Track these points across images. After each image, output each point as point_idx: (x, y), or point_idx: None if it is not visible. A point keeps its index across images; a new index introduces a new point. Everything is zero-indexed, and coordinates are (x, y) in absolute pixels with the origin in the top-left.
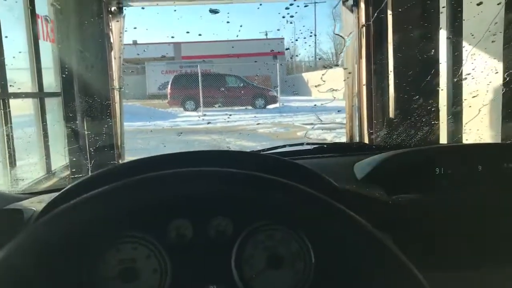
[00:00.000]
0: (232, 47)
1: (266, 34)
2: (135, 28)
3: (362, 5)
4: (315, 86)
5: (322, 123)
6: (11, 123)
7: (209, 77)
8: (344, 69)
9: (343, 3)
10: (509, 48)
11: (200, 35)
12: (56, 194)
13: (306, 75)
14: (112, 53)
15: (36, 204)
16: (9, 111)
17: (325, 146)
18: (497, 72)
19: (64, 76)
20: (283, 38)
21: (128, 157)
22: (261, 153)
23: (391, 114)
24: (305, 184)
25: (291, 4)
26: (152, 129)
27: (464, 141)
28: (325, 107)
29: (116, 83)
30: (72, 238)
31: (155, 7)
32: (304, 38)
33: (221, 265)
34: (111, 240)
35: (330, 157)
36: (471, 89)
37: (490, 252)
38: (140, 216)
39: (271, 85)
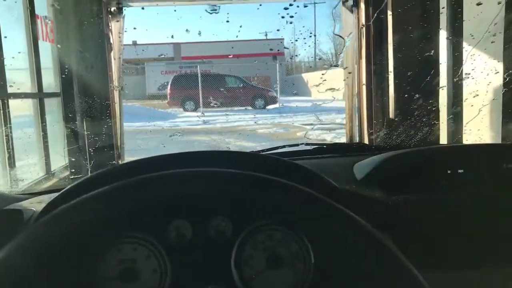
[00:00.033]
0: (232, 47)
1: (266, 35)
2: (134, 28)
3: (362, 5)
4: (315, 85)
5: (322, 124)
6: (10, 124)
7: (209, 78)
8: (344, 69)
9: (343, 3)
10: (509, 48)
11: (199, 33)
12: (56, 194)
13: (306, 76)
14: (112, 53)
15: (36, 205)
16: (9, 111)
17: (324, 146)
18: (497, 72)
19: (63, 76)
20: (282, 39)
21: (128, 158)
22: (261, 153)
23: (391, 114)
24: (304, 185)
25: (290, 5)
26: (151, 130)
27: (464, 142)
28: (325, 107)
29: (115, 84)
30: (72, 238)
31: (155, 7)
32: (304, 38)
33: (220, 265)
34: (111, 241)
35: (329, 157)
36: (471, 90)
37: (490, 252)
38: (140, 217)
39: (270, 85)
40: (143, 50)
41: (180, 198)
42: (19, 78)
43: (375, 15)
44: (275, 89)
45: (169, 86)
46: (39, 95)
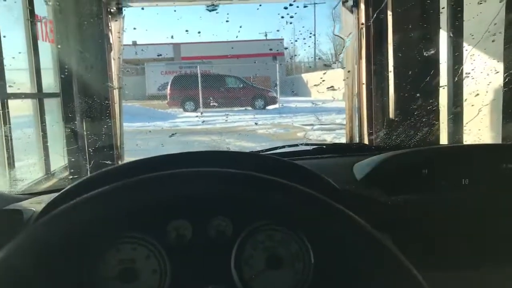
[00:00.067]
0: (232, 48)
1: (266, 35)
2: (134, 28)
3: (362, 5)
4: (315, 85)
5: (322, 124)
6: (10, 124)
7: (209, 78)
8: (343, 68)
9: (343, 3)
10: (509, 48)
11: (199, 33)
12: (55, 194)
13: (306, 76)
14: (112, 53)
15: (36, 205)
16: (8, 111)
17: (324, 146)
18: (497, 72)
19: (63, 76)
20: (282, 39)
21: (128, 158)
22: (261, 153)
23: (391, 114)
24: (304, 185)
25: (290, 5)
26: (151, 130)
27: (464, 142)
28: (325, 107)
29: (115, 84)
30: (72, 238)
31: (154, 7)
32: (304, 39)
33: (220, 265)
34: (111, 241)
35: (329, 157)
36: (471, 90)
37: (490, 252)
38: (140, 217)
39: (270, 85)
40: (142, 50)
41: (180, 198)
42: (18, 78)
43: (375, 15)
44: (275, 89)
45: (169, 87)
46: (39, 95)
